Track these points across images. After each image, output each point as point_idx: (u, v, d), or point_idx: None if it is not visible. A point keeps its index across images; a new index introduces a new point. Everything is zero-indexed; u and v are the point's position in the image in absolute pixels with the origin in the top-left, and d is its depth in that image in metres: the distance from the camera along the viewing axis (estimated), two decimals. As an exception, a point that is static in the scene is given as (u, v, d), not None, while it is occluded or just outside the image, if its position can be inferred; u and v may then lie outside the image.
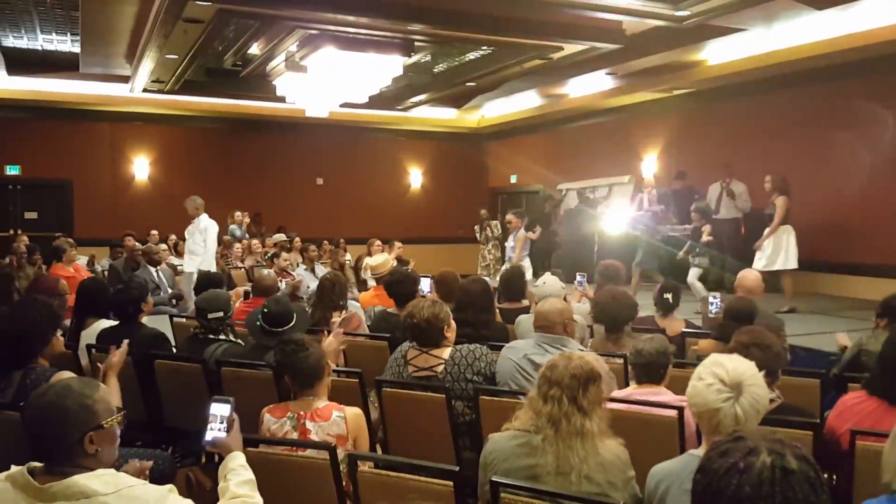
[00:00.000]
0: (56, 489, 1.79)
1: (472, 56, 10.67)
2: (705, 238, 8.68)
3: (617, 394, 3.33)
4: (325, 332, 4.37)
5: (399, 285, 5.14)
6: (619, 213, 11.06)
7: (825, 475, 2.79)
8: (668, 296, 5.14)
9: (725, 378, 2.16)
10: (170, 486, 1.94)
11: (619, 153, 12.80)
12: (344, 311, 5.21)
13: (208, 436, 2.35)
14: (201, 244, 9.16)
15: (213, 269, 8.86)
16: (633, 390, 3.30)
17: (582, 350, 3.58)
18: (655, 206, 10.13)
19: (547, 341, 3.60)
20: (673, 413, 3.05)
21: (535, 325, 3.74)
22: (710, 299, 5.38)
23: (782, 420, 2.78)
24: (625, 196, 12.37)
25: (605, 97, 11.88)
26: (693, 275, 8.65)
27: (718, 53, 9.43)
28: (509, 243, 10.14)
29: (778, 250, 8.39)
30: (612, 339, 4.38)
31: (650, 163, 12.54)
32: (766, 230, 8.45)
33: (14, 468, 1.88)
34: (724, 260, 9.47)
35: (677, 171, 10.97)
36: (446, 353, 3.64)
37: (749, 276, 5.28)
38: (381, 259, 7.12)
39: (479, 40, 9.46)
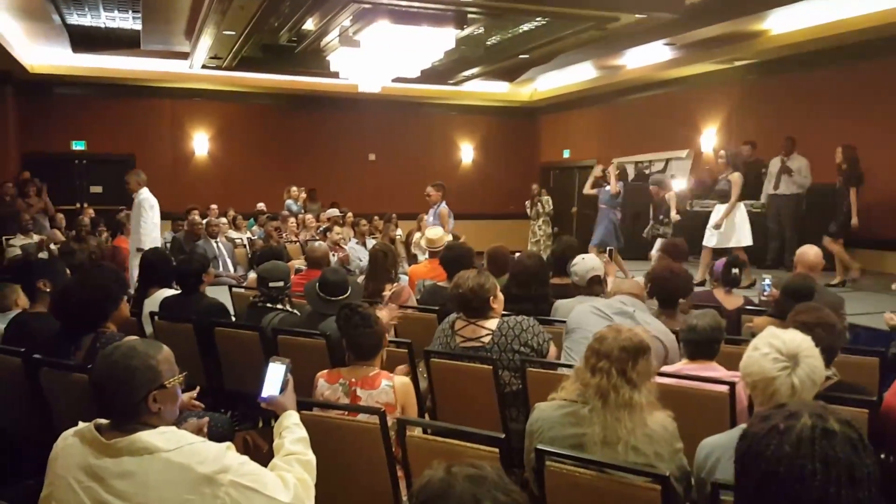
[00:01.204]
0: (121, 445, 1.87)
1: (525, 28, 10.55)
2: (674, 214, 8.71)
3: (668, 369, 3.32)
4: (377, 304, 4.46)
5: (456, 259, 5.19)
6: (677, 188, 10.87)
7: (881, 455, 2.75)
8: (736, 271, 5.06)
9: (782, 348, 2.14)
10: (227, 443, 2.00)
11: (677, 127, 12.54)
12: (395, 284, 5.31)
13: (264, 393, 2.42)
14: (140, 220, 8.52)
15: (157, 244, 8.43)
16: (684, 365, 3.29)
17: (651, 323, 3.63)
18: (617, 186, 9.69)
19: (628, 303, 3.78)
20: (724, 388, 3.03)
21: (621, 290, 3.88)
22: (762, 281, 5.30)
23: (838, 397, 2.73)
24: (683, 171, 12.16)
25: (663, 69, 11.64)
26: (658, 247, 8.59)
27: (782, 23, 9.12)
28: (429, 218, 9.60)
29: (732, 227, 8.26)
30: (665, 314, 4.35)
31: (709, 136, 12.26)
32: (725, 207, 8.28)
33: (82, 424, 1.98)
34: (783, 237, 9.27)
35: (745, 141, 10.65)
36: (493, 323, 3.66)
37: (809, 253, 5.12)
38: (438, 232, 7.17)
39: (534, 11, 9.34)
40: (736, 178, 8.29)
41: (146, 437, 1.88)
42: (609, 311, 3.69)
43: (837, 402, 2.68)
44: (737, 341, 3.83)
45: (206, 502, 1.83)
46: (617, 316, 3.63)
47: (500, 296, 3.78)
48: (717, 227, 8.26)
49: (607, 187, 9.65)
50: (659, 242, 8.67)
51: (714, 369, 3.19)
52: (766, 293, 5.18)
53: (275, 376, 2.44)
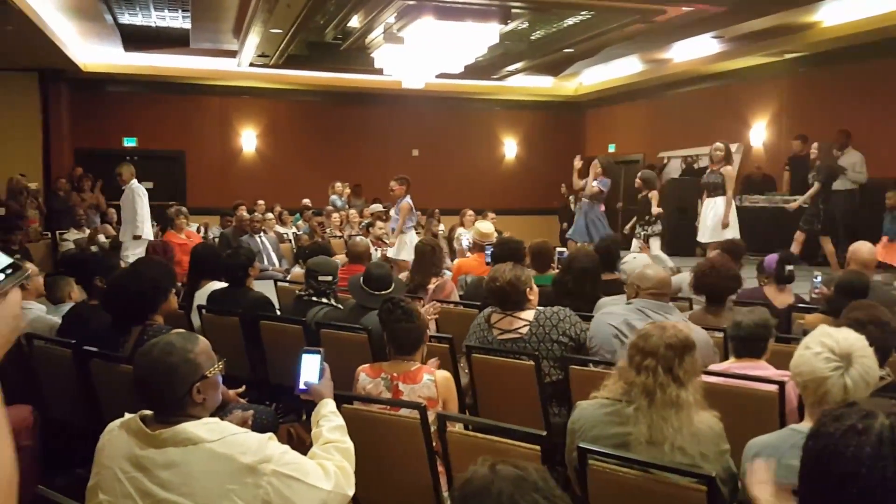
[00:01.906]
0: (165, 436, 1.91)
1: (570, 21, 10.46)
2: (654, 209, 8.53)
3: (715, 367, 3.25)
4: (420, 299, 4.48)
5: (510, 255, 5.17)
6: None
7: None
8: (790, 268, 4.95)
9: (835, 348, 2.09)
10: (269, 434, 2.03)
11: (726, 120, 12.30)
12: (439, 278, 5.34)
13: (302, 384, 2.44)
14: (136, 208, 8.77)
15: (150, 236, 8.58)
16: (731, 364, 3.22)
17: (682, 319, 3.52)
18: (597, 185, 9.34)
19: (651, 307, 3.54)
20: (773, 388, 2.95)
21: (645, 289, 3.67)
22: (814, 279, 5.17)
23: (893, 397, 2.65)
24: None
25: (711, 62, 11.43)
26: (655, 246, 8.48)
27: (834, 14, 8.89)
28: (392, 213, 9.41)
29: (720, 222, 8.15)
30: (712, 312, 4.27)
31: (759, 130, 12.00)
32: (716, 201, 8.20)
33: (127, 416, 2.03)
34: (837, 233, 9.03)
35: (796, 135, 10.40)
36: (530, 314, 3.67)
37: (863, 249, 4.99)
38: (489, 226, 7.19)
39: (578, 5, 9.26)
40: (729, 171, 8.20)
41: (190, 428, 1.92)
42: (623, 328, 3.56)
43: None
44: (787, 339, 3.74)
45: (248, 491, 1.86)
46: (627, 327, 3.53)
47: (536, 287, 3.79)
48: (726, 225, 8.14)
49: (594, 181, 9.39)
50: (656, 241, 8.57)
51: (763, 368, 3.11)
52: (816, 290, 5.06)
53: (311, 366, 2.46)
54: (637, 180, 9.05)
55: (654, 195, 8.73)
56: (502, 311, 3.71)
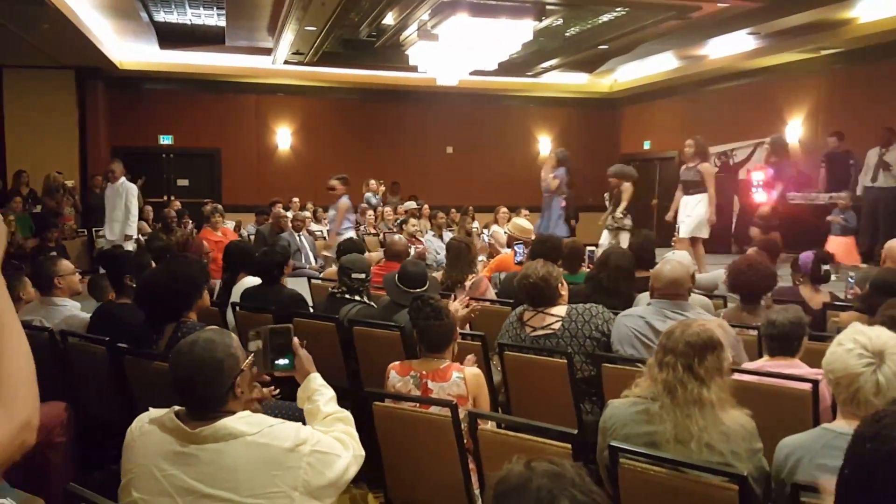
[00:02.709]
0: (206, 433, 1.95)
1: (605, 18, 10.39)
2: (624, 203, 8.56)
3: (748, 366, 3.23)
4: (454, 296, 4.49)
5: (550, 252, 5.17)
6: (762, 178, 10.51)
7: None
8: (827, 267, 4.88)
9: (868, 344, 2.06)
10: (299, 423, 2.11)
11: (762, 117, 12.13)
12: (472, 276, 5.34)
13: (280, 361, 2.42)
14: (125, 210, 8.76)
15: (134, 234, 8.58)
16: (765, 362, 3.19)
17: (703, 316, 3.49)
18: (553, 176, 9.30)
19: (668, 307, 3.52)
20: (807, 386, 2.92)
21: (657, 289, 3.65)
22: (848, 277, 5.09)
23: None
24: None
25: (747, 58, 11.30)
26: (623, 240, 8.40)
27: (871, 10, 8.74)
28: (330, 213, 9.27)
29: (696, 217, 8.09)
30: (747, 310, 4.23)
31: (795, 127, 11.82)
32: (693, 198, 8.10)
33: (157, 412, 2.06)
34: (877, 231, 8.88)
35: (832, 132, 10.23)
36: (562, 310, 3.69)
37: (899, 247, 4.90)
38: (527, 224, 7.20)
39: (614, 1, 9.21)
40: (706, 167, 8.13)
41: (230, 423, 1.97)
42: (644, 329, 3.54)
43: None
44: (822, 338, 3.69)
45: (291, 474, 1.96)
46: (644, 334, 3.51)
47: (566, 283, 3.83)
48: (713, 222, 8.11)
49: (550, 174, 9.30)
50: (625, 235, 8.53)
51: (796, 366, 3.08)
52: (851, 290, 4.98)
53: (280, 343, 2.43)
54: (611, 178, 8.96)
55: (626, 188, 8.63)
56: (534, 308, 3.73)
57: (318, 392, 2.39)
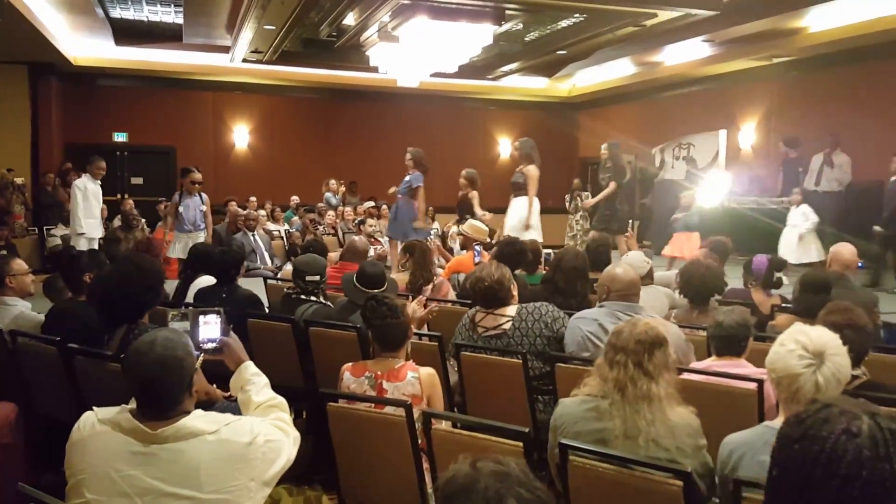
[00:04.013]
0: (168, 433, 1.95)
1: (564, 24, 10.50)
2: (478, 210, 8.47)
3: (696, 365, 3.31)
4: (411, 297, 4.51)
5: (516, 255, 5.20)
6: (716, 184, 10.73)
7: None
8: (780, 274, 5.01)
9: (808, 345, 2.13)
10: (249, 417, 2.17)
11: (716, 123, 12.38)
12: (435, 278, 5.37)
13: (209, 345, 2.42)
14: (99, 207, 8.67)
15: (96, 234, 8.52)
16: (712, 362, 3.27)
17: (653, 317, 3.57)
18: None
19: (622, 309, 3.59)
20: (753, 386, 3.01)
21: (613, 291, 3.71)
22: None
23: (867, 396, 2.70)
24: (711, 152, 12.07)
25: (702, 65, 11.54)
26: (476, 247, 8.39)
27: (821, 20, 8.99)
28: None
29: (523, 222, 8.03)
30: (697, 311, 4.33)
31: (748, 132, 12.11)
32: (521, 201, 8.08)
33: (104, 411, 2.04)
34: (823, 234, 9.14)
35: (785, 138, 10.49)
36: (512, 310, 3.76)
37: (845, 251, 5.03)
38: (483, 226, 7.23)
39: (572, 7, 9.31)
40: (531, 170, 8.08)
41: (190, 422, 1.99)
42: (597, 331, 3.59)
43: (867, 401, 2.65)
44: (768, 339, 3.79)
45: (249, 465, 2.01)
46: (601, 330, 3.56)
47: (515, 283, 3.90)
48: (528, 227, 8.01)
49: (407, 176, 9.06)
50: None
51: (743, 366, 3.17)
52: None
53: (211, 325, 2.43)
54: (461, 179, 8.93)
55: (474, 195, 8.61)
56: (486, 309, 3.78)
57: (251, 382, 2.41)
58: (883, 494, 1.33)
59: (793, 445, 1.42)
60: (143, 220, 10.88)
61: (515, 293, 3.85)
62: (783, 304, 4.92)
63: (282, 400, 2.38)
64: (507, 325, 3.71)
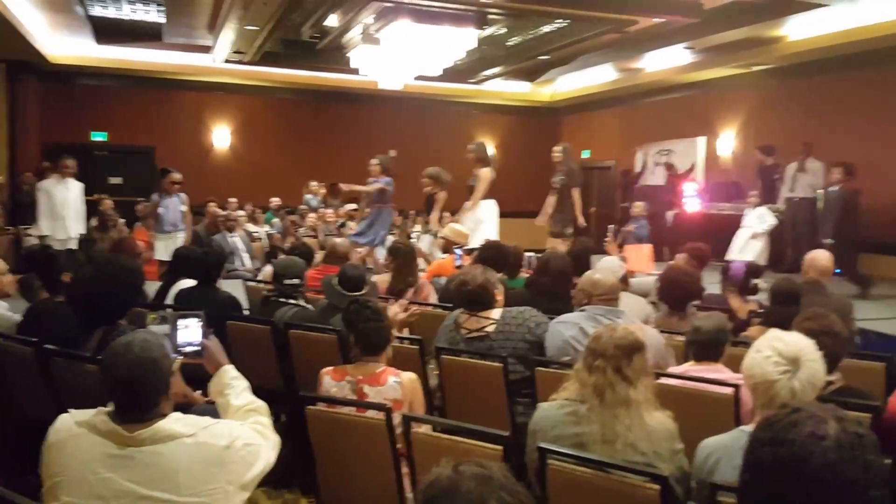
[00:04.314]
0: (145, 435, 1.95)
1: (546, 29, 10.55)
2: (436, 213, 8.52)
3: (674, 370, 3.34)
4: (393, 299, 4.51)
5: (498, 258, 5.21)
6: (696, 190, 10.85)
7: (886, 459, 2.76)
8: (757, 281, 5.06)
9: (784, 351, 2.16)
10: (228, 420, 2.17)
11: (696, 129, 12.50)
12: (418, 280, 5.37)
13: (188, 349, 2.41)
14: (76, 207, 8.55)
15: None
16: (689, 367, 3.31)
17: (633, 321, 3.60)
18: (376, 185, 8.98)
19: (603, 313, 3.62)
20: (729, 390, 3.04)
21: (596, 295, 3.73)
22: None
23: (841, 401, 2.73)
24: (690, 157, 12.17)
25: (682, 72, 11.61)
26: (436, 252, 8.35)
27: (800, 29, 9.10)
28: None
29: (477, 224, 8.06)
30: (675, 317, 4.37)
31: (727, 139, 12.23)
32: (468, 203, 8.06)
33: (81, 413, 2.03)
34: (798, 240, 9.23)
35: (760, 146, 10.59)
36: (497, 313, 3.78)
37: (821, 258, 5.03)
38: (464, 228, 7.24)
39: (554, 13, 9.36)
40: (483, 173, 8.10)
41: (167, 425, 1.98)
42: (578, 335, 3.61)
43: (841, 407, 2.68)
44: (745, 344, 3.82)
45: (227, 469, 2.01)
46: (582, 334, 3.58)
47: (501, 287, 3.91)
48: (459, 224, 7.83)
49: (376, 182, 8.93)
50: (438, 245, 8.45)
51: (720, 371, 3.21)
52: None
53: (190, 329, 2.42)
54: (425, 178, 8.89)
55: (440, 197, 8.61)
56: (470, 312, 3.79)
57: (230, 386, 2.40)
58: (849, 496, 1.36)
59: (762, 448, 1.47)
60: (123, 221, 10.77)
61: (501, 297, 3.86)
62: (760, 310, 4.98)
63: (262, 404, 2.37)
64: (491, 328, 3.72)
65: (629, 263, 8.27)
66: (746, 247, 9.00)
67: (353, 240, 8.75)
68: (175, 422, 2.00)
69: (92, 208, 10.91)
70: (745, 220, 9.39)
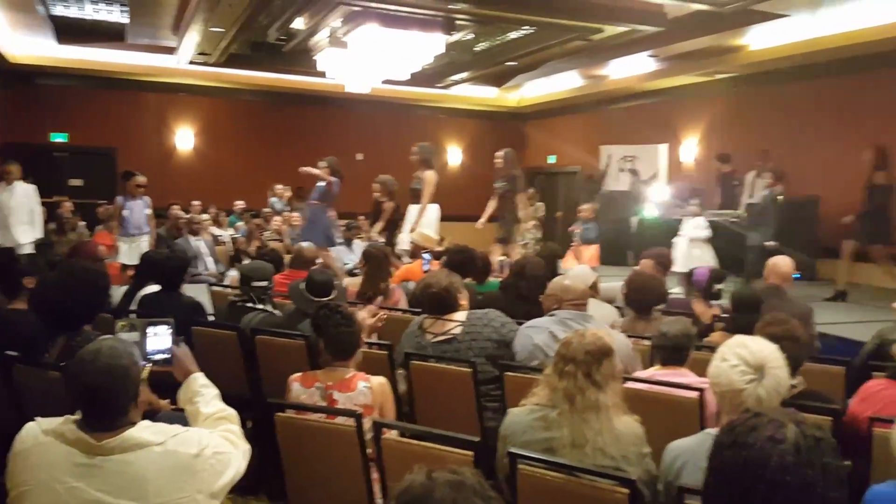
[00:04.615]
0: (113, 444, 1.92)
1: (513, 35, 10.63)
2: (379, 225, 8.65)
3: (640, 374, 3.39)
4: (362, 304, 4.50)
5: (466, 263, 5.22)
6: (659, 196, 10.96)
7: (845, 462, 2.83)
8: (719, 286, 5.14)
9: (749, 359, 2.20)
10: (198, 428, 2.14)
11: (659, 136, 12.67)
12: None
13: (158, 357, 2.39)
14: (29, 213, 8.31)
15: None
16: (655, 371, 3.36)
17: (602, 326, 3.65)
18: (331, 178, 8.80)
19: (573, 318, 3.66)
20: (694, 394, 3.10)
21: (565, 300, 3.77)
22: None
23: (803, 405, 2.80)
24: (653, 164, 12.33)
25: (646, 79, 11.78)
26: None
27: (761, 39, 9.30)
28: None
29: (424, 228, 8.05)
30: (641, 321, 4.43)
31: (690, 146, 12.42)
32: (417, 209, 8.09)
33: (48, 422, 2.00)
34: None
35: (717, 154, 10.77)
36: (462, 315, 3.80)
37: (783, 263, 5.15)
38: (432, 233, 7.25)
39: (521, 20, 9.44)
40: (427, 175, 8.11)
41: (136, 433, 1.96)
42: (548, 340, 3.64)
43: (803, 411, 2.75)
44: (708, 349, 3.89)
45: (197, 477, 1.98)
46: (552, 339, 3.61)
47: (465, 292, 3.93)
48: (413, 230, 8.04)
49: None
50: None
51: (684, 375, 3.26)
52: None
53: (160, 337, 2.40)
54: (375, 185, 9.03)
55: (389, 207, 8.69)
56: (434, 315, 3.81)
57: (200, 394, 2.38)
58: (807, 498, 1.41)
59: (724, 452, 1.51)
60: (83, 224, 10.59)
61: (465, 302, 3.88)
62: (723, 315, 5.07)
63: (232, 412, 2.35)
64: (457, 331, 3.74)
65: (565, 262, 8.32)
66: (691, 258, 8.88)
67: (294, 242, 8.71)
68: (144, 430, 1.98)
69: (52, 211, 10.72)
70: (683, 229, 9.17)
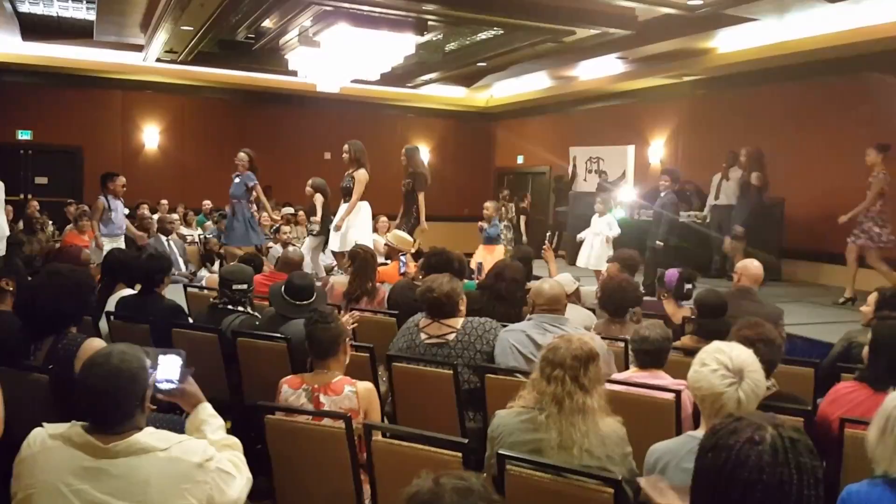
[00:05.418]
0: (119, 448, 1.95)
1: (483, 36, 10.72)
2: (318, 215, 8.64)
3: (618, 376, 3.48)
4: (342, 308, 4.53)
5: (445, 265, 5.22)
6: (629, 196, 11.09)
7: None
8: (689, 286, 5.23)
9: (729, 364, 2.28)
10: (203, 441, 2.15)
11: (627, 137, 12.85)
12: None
13: (165, 386, 2.39)
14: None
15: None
16: (633, 373, 3.45)
17: (577, 329, 3.74)
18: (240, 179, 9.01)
19: (548, 321, 3.74)
20: (670, 396, 3.19)
21: (539, 304, 3.84)
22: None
23: (777, 406, 2.90)
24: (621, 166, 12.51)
25: (615, 81, 11.91)
26: (317, 255, 8.72)
27: (729, 42, 9.47)
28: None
29: (352, 228, 8.00)
30: (615, 324, 4.53)
31: (657, 148, 12.62)
32: (346, 207, 8.08)
33: (55, 427, 2.02)
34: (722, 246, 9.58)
35: (663, 170, 10.60)
36: (459, 322, 3.86)
37: (753, 265, 5.25)
38: (407, 235, 7.27)
39: (492, 22, 9.51)
40: (359, 175, 8.08)
41: (142, 438, 1.99)
42: (525, 342, 3.71)
43: (777, 412, 2.85)
44: (683, 351, 4.00)
45: (199, 487, 2.01)
46: (529, 341, 3.69)
47: (465, 297, 3.98)
48: (338, 228, 8.01)
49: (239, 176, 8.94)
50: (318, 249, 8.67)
51: (661, 377, 3.35)
52: None
53: (170, 366, 2.42)
54: (308, 188, 9.07)
55: (318, 199, 8.78)
56: (432, 317, 3.87)
57: (206, 423, 2.39)
58: (783, 496, 1.51)
59: (706, 454, 1.62)
60: (52, 223, 10.43)
61: (463, 308, 3.93)
62: (693, 317, 5.18)
63: (236, 440, 2.37)
64: (451, 336, 3.80)
65: (479, 257, 8.34)
66: (601, 254, 8.67)
67: (224, 242, 8.72)
68: (149, 435, 2.01)
69: (19, 210, 10.53)
70: (594, 227, 9.14)
